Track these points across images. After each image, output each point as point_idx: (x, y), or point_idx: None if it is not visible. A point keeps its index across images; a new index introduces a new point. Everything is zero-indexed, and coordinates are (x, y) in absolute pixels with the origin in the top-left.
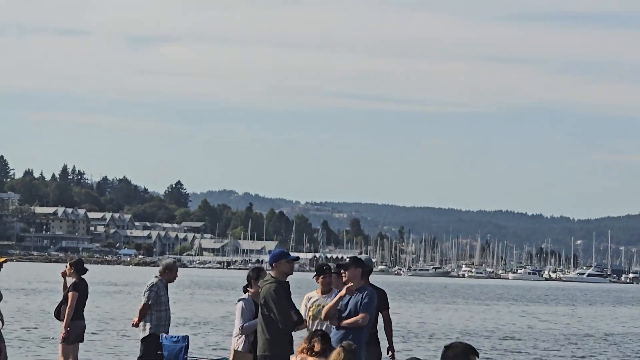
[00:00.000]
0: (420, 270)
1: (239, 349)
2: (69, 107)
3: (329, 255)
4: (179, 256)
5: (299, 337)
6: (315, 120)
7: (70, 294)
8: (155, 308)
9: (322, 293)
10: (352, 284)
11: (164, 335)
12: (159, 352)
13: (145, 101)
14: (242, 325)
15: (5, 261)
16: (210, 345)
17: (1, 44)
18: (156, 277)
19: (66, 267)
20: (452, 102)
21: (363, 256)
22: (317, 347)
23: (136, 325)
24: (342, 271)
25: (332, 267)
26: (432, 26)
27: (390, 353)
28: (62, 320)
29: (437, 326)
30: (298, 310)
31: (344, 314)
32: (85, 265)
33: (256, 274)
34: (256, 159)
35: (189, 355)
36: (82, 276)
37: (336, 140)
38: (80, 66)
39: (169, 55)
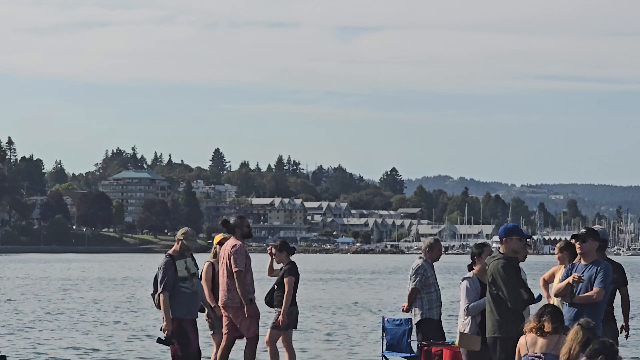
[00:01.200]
0: (634, 249)
1: (466, 330)
2: (282, 98)
3: (546, 237)
4: (396, 243)
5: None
6: (527, 102)
7: (286, 279)
8: (424, 291)
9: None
10: (585, 257)
11: (386, 318)
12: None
13: (357, 90)
14: (468, 306)
15: (221, 241)
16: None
17: (214, 39)
18: (420, 257)
19: (270, 249)
20: None
21: (598, 227)
22: (547, 327)
23: (406, 310)
24: (576, 243)
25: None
26: None
27: (624, 332)
28: (275, 307)
29: None
30: (529, 288)
31: (577, 290)
32: (304, 255)
33: (480, 250)
34: (470, 143)
35: (412, 338)
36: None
37: (550, 122)
38: (292, 58)
39: (379, 43)
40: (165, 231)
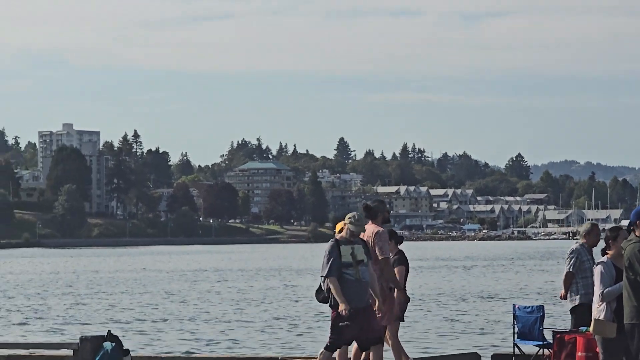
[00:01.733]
0: None
1: (600, 317)
2: (405, 86)
3: None
4: (523, 229)
5: None
6: None
7: (396, 269)
8: (580, 275)
9: None
10: None
11: (517, 306)
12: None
13: (479, 76)
14: (603, 291)
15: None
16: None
17: (336, 28)
18: (577, 242)
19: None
20: None
21: None
22: None
23: (564, 297)
24: None
25: None
26: None
27: None
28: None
29: None
30: None
31: None
32: (430, 242)
33: (614, 234)
34: (597, 127)
35: (544, 326)
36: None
37: None
38: (414, 46)
39: (502, 29)
40: (292, 221)
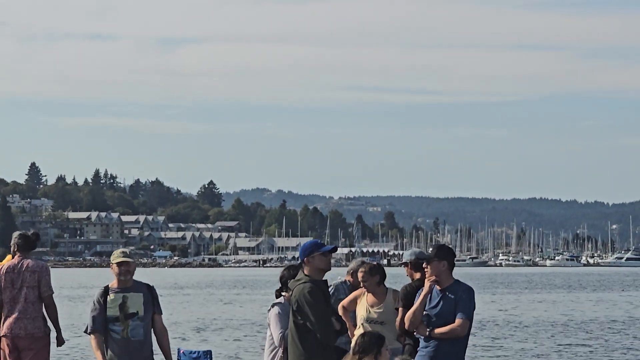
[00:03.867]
0: (457, 260)
1: None
2: (98, 111)
3: (364, 249)
4: (214, 256)
5: None
6: (343, 115)
7: None
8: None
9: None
10: (432, 278)
11: (182, 350)
12: None
13: (174, 103)
14: (282, 334)
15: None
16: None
17: (32, 51)
18: (340, 278)
19: None
20: (481, 91)
21: (415, 250)
22: None
23: None
24: (423, 265)
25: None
26: (453, 17)
27: None
28: None
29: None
30: (340, 317)
31: (434, 320)
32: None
33: (293, 273)
34: (288, 156)
35: None
36: None
37: (366, 135)
38: (110, 70)
39: (196, 56)
40: None
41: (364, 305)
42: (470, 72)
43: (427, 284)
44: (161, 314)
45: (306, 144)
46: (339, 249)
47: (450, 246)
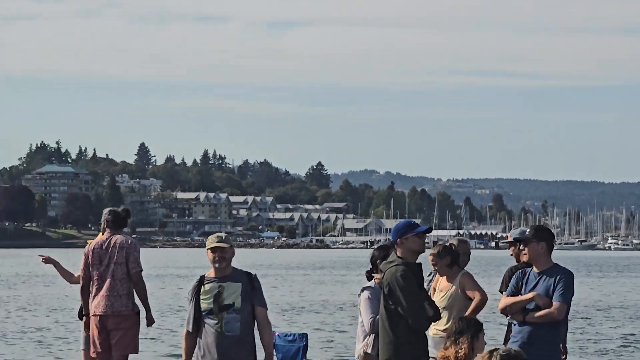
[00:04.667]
0: (565, 244)
1: (369, 350)
2: (208, 93)
3: (472, 232)
4: (321, 237)
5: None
6: (454, 97)
7: None
8: None
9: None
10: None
11: (277, 333)
12: None
13: (283, 84)
14: (372, 320)
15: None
16: (336, 342)
17: (141, 34)
18: None
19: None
20: (593, 75)
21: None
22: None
23: None
24: (521, 247)
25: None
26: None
27: (564, 355)
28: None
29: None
30: (434, 302)
31: (530, 306)
32: None
33: (383, 254)
34: (397, 137)
35: (307, 357)
36: None
37: (476, 117)
38: (218, 53)
39: (304, 39)
40: (89, 225)
41: (436, 289)
42: (582, 56)
43: (529, 295)
44: (264, 306)
45: (415, 126)
46: (447, 231)
47: (553, 229)
